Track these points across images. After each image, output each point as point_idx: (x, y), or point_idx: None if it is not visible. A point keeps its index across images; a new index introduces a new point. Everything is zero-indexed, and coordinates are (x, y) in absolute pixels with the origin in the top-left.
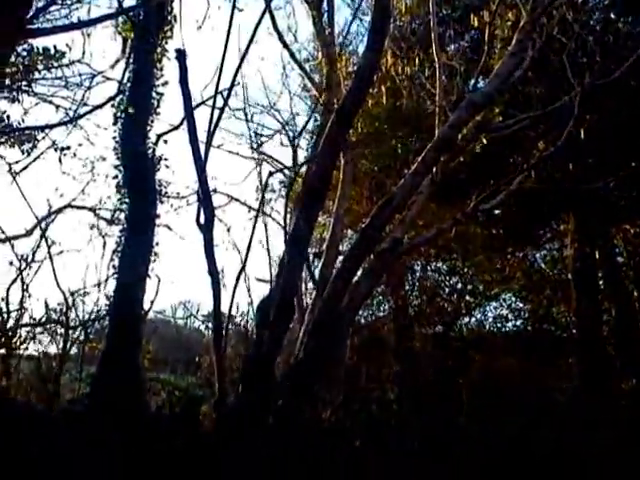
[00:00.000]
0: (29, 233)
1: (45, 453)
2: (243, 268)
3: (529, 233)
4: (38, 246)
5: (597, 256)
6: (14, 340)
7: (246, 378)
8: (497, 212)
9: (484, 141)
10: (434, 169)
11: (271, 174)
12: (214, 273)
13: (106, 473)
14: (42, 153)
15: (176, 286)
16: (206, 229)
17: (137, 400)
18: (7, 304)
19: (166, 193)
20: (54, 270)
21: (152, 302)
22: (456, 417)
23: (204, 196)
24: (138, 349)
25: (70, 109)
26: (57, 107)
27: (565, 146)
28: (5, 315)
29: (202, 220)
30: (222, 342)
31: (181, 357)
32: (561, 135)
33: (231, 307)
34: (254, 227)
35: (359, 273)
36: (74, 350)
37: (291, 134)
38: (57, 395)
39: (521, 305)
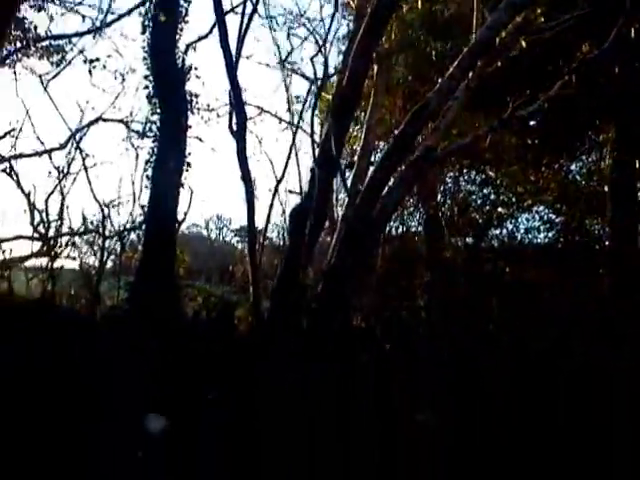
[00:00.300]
0: (63, 146)
1: (87, 356)
2: (281, 179)
3: (565, 144)
4: (73, 158)
5: (637, 166)
6: (56, 248)
7: (280, 284)
8: (533, 123)
9: (523, 44)
10: (470, 74)
11: (311, 82)
12: (247, 180)
13: (145, 374)
14: (71, 61)
15: (208, 201)
16: (239, 135)
17: (173, 305)
18: (47, 214)
19: (197, 103)
20: (89, 181)
21: (185, 213)
22: (486, 327)
23: (236, 101)
24: (173, 257)
25: (97, 19)
26: (83, 17)
27: (612, 48)
28: (46, 225)
29: (234, 127)
30: (256, 247)
31: (215, 268)
32: (608, 36)
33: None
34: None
35: (391, 182)
36: (110, 263)
37: (321, 42)
38: (98, 301)
39: (554, 217)
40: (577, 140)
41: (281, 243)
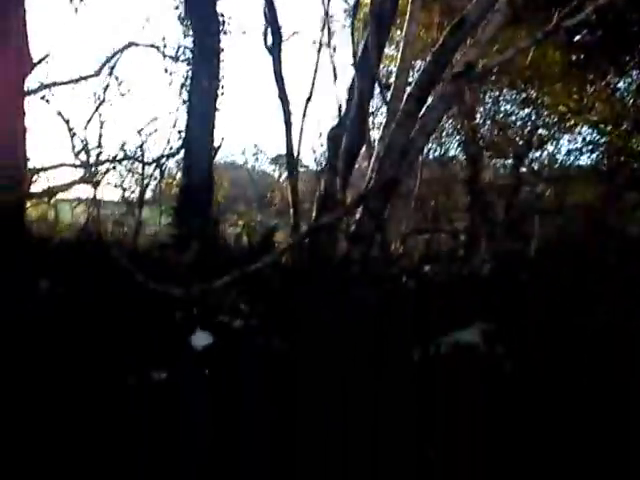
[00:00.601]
0: (98, 73)
1: (132, 286)
2: (311, 96)
3: (613, 59)
4: (108, 85)
5: None
6: (97, 176)
7: (320, 206)
8: (578, 37)
9: None
10: None
11: None
12: (284, 98)
13: (189, 301)
14: None
15: (243, 128)
16: (275, 52)
17: (215, 231)
18: (86, 143)
19: (229, 25)
20: (125, 108)
21: (222, 139)
22: (526, 250)
23: (271, 17)
24: (212, 183)
25: None
26: None
27: None
28: (86, 152)
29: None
30: (295, 168)
31: (252, 195)
32: None
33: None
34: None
35: (429, 100)
36: (150, 193)
37: None
38: (140, 229)
39: (597, 138)
40: (626, 54)
41: (318, 169)
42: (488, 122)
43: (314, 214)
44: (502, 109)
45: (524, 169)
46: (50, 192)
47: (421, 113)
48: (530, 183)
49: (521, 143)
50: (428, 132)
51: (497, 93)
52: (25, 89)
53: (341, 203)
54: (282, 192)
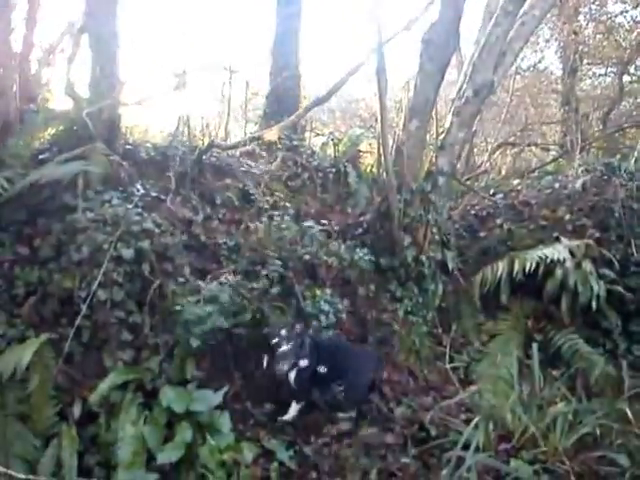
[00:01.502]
0: None
1: None
2: None
3: None
4: None
5: None
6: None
7: (411, 116)
8: None
9: None
10: None
11: None
12: None
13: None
14: None
15: (327, 40)
16: None
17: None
18: (174, 52)
19: None
20: (212, 17)
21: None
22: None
23: None
24: (298, 87)
25: None
26: None
27: None
28: (174, 62)
29: None
30: (384, 73)
31: (337, 107)
32: None
33: None
34: None
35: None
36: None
37: None
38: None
39: None
40: None
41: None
42: (591, 25)
43: (402, 123)
44: (610, 9)
45: (627, 78)
46: (142, 101)
47: (521, 11)
48: (634, 93)
49: (627, 47)
50: (527, 33)
51: None
52: None
53: (430, 111)
54: (367, 102)
